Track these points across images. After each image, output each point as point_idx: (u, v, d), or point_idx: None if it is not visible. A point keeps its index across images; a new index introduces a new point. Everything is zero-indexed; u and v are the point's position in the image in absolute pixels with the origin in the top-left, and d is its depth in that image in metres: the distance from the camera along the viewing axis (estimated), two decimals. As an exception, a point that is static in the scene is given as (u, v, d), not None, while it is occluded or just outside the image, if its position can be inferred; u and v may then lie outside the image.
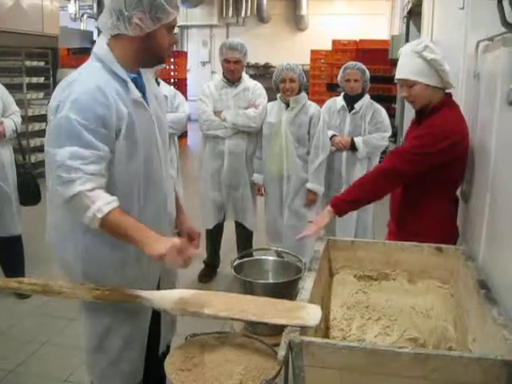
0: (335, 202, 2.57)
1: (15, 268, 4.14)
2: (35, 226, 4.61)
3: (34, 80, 8.52)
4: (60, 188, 1.84)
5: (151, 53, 2.01)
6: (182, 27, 16.19)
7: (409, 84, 2.55)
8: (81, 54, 12.01)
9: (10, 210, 4.12)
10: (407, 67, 2.55)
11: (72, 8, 14.92)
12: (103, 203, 1.83)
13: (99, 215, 1.82)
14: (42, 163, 8.26)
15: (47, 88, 8.89)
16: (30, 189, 4.23)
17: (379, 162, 4.70)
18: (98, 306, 2.07)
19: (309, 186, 4.13)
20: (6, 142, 4.10)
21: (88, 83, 1.89)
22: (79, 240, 2.01)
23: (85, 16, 15.44)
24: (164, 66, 1.95)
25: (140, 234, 1.85)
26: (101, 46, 1.99)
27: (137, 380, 2.24)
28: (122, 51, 1.98)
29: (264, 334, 2.28)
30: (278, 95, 4.18)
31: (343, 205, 2.56)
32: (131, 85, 1.99)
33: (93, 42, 13.67)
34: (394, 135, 7.56)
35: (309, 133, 4.10)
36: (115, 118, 1.90)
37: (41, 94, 8.70)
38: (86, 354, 2.28)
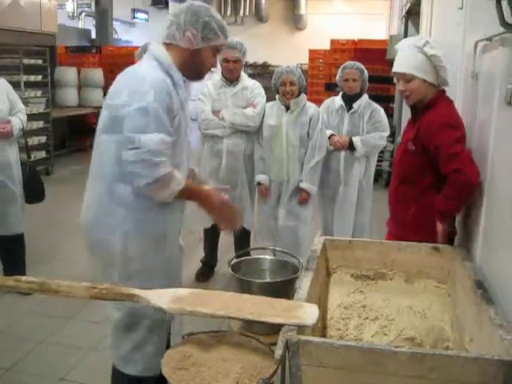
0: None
1: (16, 266, 4.14)
2: (38, 224, 4.67)
3: (32, 78, 8.50)
4: (146, 171, 2.06)
5: (194, 67, 2.26)
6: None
7: (407, 78, 2.56)
8: (78, 52, 12.00)
9: (15, 208, 4.13)
10: (407, 61, 2.55)
11: (70, 6, 14.92)
12: (179, 177, 2.18)
13: (178, 188, 2.17)
14: (40, 161, 8.27)
15: (45, 86, 8.88)
16: (35, 187, 4.25)
17: (377, 161, 4.71)
18: None
19: (302, 185, 4.12)
20: (12, 140, 4.11)
21: (156, 75, 2.13)
22: (122, 218, 2.17)
23: (83, 14, 15.45)
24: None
25: (197, 191, 2.33)
26: (159, 48, 2.23)
27: (158, 364, 2.27)
28: (172, 58, 2.22)
29: (261, 333, 2.28)
30: (277, 96, 4.17)
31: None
32: (183, 87, 2.23)
33: (91, 40, 13.69)
34: (392, 135, 7.56)
35: (308, 133, 4.09)
36: (175, 110, 2.16)
37: (39, 92, 8.68)
38: (112, 337, 2.42)
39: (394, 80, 2.68)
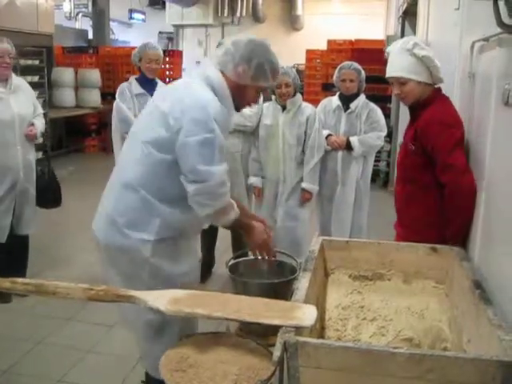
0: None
1: (18, 267, 4.17)
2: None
3: (29, 79, 8.46)
4: (212, 201, 2.12)
5: (235, 99, 2.26)
6: (177, 26, 16.16)
7: (401, 81, 2.57)
8: (75, 52, 11.98)
9: (31, 209, 4.17)
10: (399, 65, 2.57)
11: (67, 6, 14.91)
12: (235, 207, 2.25)
13: (235, 217, 2.24)
14: (37, 162, 8.21)
15: (42, 87, 8.87)
16: (54, 191, 4.29)
17: (375, 161, 4.71)
18: None
19: (304, 185, 4.14)
20: (32, 143, 4.14)
21: (217, 106, 2.14)
22: (156, 227, 2.20)
23: (80, 15, 15.43)
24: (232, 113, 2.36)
25: (248, 226, 2.35)
26: (218, 77, 2.22)
27: None
28: None
29: (259, 334, 2.27)
30: (273, 97, 4.18)
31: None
32: (233, 117, 2.33)
33: (88, 41, 13.67)
34: (390, 135, 7.56)
35: (305, 133, 4.10)
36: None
37: (35, 93, 8.64)
38: (141, 344, 2.41)
39: (386, 78, 2.68)
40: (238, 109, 2.34)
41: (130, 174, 2.22)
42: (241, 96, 2.27)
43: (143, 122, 2.31)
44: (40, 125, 4.13)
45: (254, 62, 2.17)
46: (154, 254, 2.19)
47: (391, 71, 2.62)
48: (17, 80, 4.07)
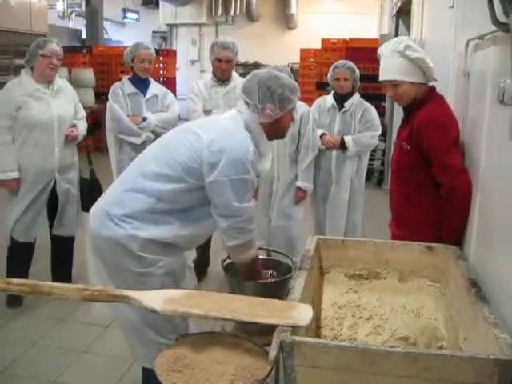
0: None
1: (64, 268, 4.24)
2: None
3: (22, 78, 8.45)
4: (241, 235, 2.24)
5: (277, 133, 2.40)
6: (170, 25, 16.13)
7: (394, 84, 2.57)
8: (69, 52, 11.93)
9: (73, 211, 4.17)
10: (391, 68, 2.57)
11: (60, 6, 14.82)
12: (255, 244, 2.36)
13: (255, 254, 2.37)
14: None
15: (35, 87, 8.82)
16: (96, 195, 4.31)
17: (369, 160, 4.72)
18: None
19: (299, 183, 4.13)
20: (73, 145, 4.13)
21: (251, 150, 2.21)
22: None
23: (73, 14, 15.36)
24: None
25: (258, 273, 2.48)
26: (257, 128, 2.30)
27: None
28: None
29: (255, 333, 2.27)
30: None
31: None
32: (264, 160, 2.38)
33: (81, 40, 13.63)
34: (384, 134, 7.57)
35: (299, 132, 4.09)
36: None
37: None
38: (135, 342, 2.42)
39: (380, 81, 2.67)
40: (283, 137, 2.50)
41: (150, 178, 2.24)
42: (281, 128, 2.39)
43: (175, 138, 2.35)
44: (82, 128, 4.12)
45: (275, 96, 2.26)
46: (141, 250, 2.20)
47: (383, 75, 2.62)
48: (61, 82, 4.07)
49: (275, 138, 2.45)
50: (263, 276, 2.51)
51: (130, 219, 2.20)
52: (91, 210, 2.37)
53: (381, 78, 2.64)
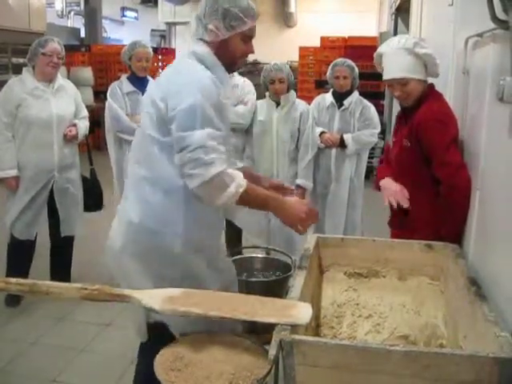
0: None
1: (62, 268, 4.25)
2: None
3: (21, 77, 8.45)
4: (199, 170, 1.93)
5: (224, 59, 2.14)
6: (169, 24, 16.13)
7: (402, 82, 2.55)
8: (68, 50, 11.92)
9: (74, 211, 4.17)
10: (399, 66, 2.54)
11: (59, 5, 14.84)
12: (240, 178, 2.02)
13: (241, 189, 2.00)
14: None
15: (34, 85, 8.81)
16: (96, 195, 4.30)
17: (368, 158, 4.71)
18: None
19: (298, 181, 4.13)
20: (75, 144, 4.13)
21: (202, 73, 2.04)
22: (181, 222, 2.09)
23: (72, 13, 15.38)
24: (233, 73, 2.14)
25: (278, 201, 2.12)
26: (201, 48, 2.12)
27: None
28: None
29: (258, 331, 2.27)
30: (267, 94, 4.17)
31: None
32: (226, 86, 2.17)
33: (80, 39, 13.62)
34: (383, 131, 7.57)
35: (299, 130, 4.09)
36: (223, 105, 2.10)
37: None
38: None
39: (385, 80, 2.65)
40: (233, 67, 2.24)
41: (144, 167, 2.12)
42: (228, 53, 2.14)
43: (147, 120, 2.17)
44: (83, 127, 4.11)
45: (220, 11, 2.05)
46: (185, 251, 2.10)
47: (391, 73, 2.58)
48: (63, 81, 4.09)
49: (226, 67, 2.16)
50: (287, 202, 2.15)
51: (161, 222, 2.09)
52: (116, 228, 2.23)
53: (388, 77, 2.60)
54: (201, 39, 2.13)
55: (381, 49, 2.67)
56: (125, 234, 2.14)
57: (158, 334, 2.11)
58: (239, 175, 2.03)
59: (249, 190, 2.04)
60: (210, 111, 1.98)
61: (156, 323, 2.16)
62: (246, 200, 2.05)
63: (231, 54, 2.15)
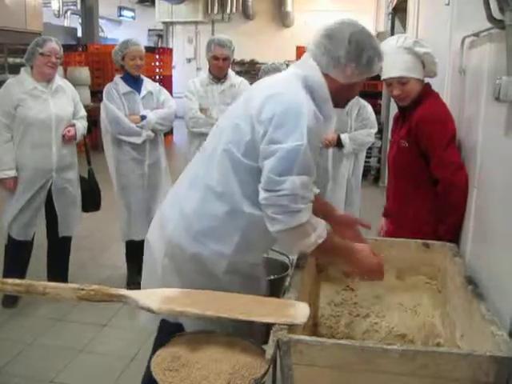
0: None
1: (59, 268, 4.23)
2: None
3: (18, 77, 8.43)
4: (283, 217, 1.81)
5: (337, 97, 2.00)
6: (166, 23, 16.12)
7: (402, 81, 2.55)
8: (64, 50, 11.91)
9: (71, 211, 4.16)
10: (399, 65, 2.54)
11: (55, 4, 14.82)
12: (321, 229, 1.90)
13: (320, 240, 1.88)
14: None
15: (31, 85, 8.80)
16: (94, 195, 4.29)
17: (365, 157, 4.72)
18: None
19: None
20: (73, 144, 4.12)
21: (309, 107, 1.87)
22: (234, 245, 2.00)
23: (68, 12, 15.37)
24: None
25: (348, 252, 2.02)
26: (320, 80, 1.95)
27: None
28: None
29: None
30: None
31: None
32: (329, 124, 2.08)
33: (77, 39, 13.60)
34: (380, 131, 7.58)
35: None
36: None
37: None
38: None
39: (383, 79, 2.64)
40: (344, 106, 2.13)
41: (214, 177, 1.99)
42: (347, 94, 2.04)
43: (226, 122, 2.07)
44: (81, 127, 4.10)
45: (364, 58, 1.92)
46: (227, 272, 2.02)
47: (391, 72, 2.57)
48: (61, 81, 4.08)
49: (336, 104, 2.02)
50: (359, 252, 2.04)
51: (210, 234, 2.01)
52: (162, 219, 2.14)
53: (387, 76, 2.59)
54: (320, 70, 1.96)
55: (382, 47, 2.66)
56: (178, 220, 2.06)
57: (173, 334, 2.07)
58: (321, 225, 1.92)
59: (327, 241, 1.92)
60: (309, 156, 1.83)
61: (174, 324, 2.12)
62: (321, 248, 1.92)
63: (348, 95, 2.07)
